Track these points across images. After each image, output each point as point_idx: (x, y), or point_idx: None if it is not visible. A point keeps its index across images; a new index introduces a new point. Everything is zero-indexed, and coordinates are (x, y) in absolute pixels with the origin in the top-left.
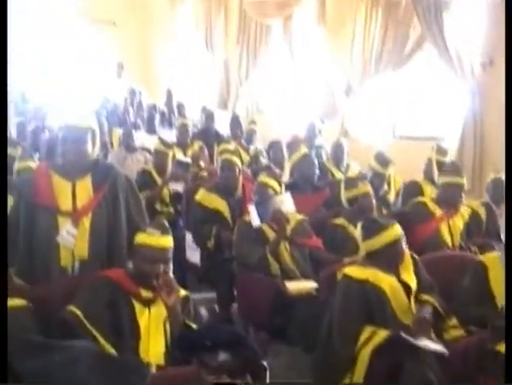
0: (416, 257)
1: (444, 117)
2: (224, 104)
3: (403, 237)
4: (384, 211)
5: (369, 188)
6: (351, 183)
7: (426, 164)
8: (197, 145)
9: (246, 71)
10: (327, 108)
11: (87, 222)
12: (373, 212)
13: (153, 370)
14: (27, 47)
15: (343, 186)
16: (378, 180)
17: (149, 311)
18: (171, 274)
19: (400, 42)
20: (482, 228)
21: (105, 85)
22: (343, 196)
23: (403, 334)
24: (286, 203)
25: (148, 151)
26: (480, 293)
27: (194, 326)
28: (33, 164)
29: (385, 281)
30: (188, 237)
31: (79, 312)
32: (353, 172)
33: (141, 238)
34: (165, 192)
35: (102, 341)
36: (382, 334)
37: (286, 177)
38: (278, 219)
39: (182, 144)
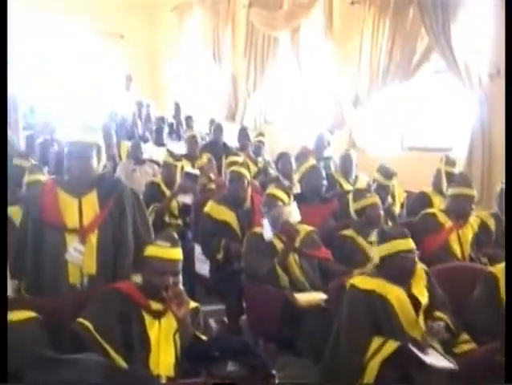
0: (430, 272)
1: (452, 128)
2: (232, 116)
3: (415, 251)
4: (390, 223)
5: (377, 200)
6: (359, 194)
7: (435, 175)
8: (205, 157)
9: (254, 84)
10: (335, 120)
11: (93, 238)
12: (381, 223)
13: (163, 381)
14: (37, 60)
15: (351, 197)
16: (382, 192)
17: (159, 323)
18: (181, 286)
19: (408, 54)
20: (492, 239)
21: (114, 97)
22: (352, 207)
23: (411, 347)
24: (293, 213)
25: (157, 163)
26: (490, 304)
27: (204, 337)
28: (42, 177)
29: (392, 292)
30: (197, 249)
31: (89, 324)
32: (361, 183)
33: (151, 250)
34: (174, 204)
35: (112, 353)
36: (392, 345)
37: (295, 189)
38: (287, 230)
39: (191, 156)
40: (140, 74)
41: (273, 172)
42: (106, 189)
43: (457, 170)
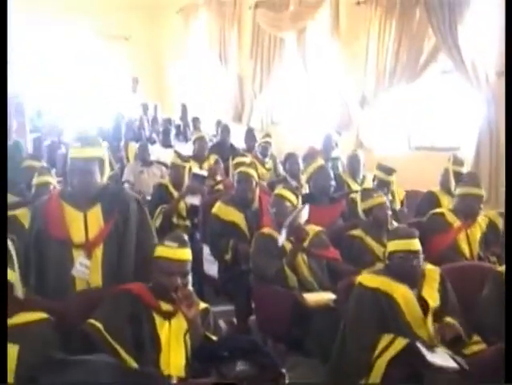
0: (444, 276)
1: (459, 127)
2: (238, 118)
3: (420, 253)
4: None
5: (384, 199)
6: (366, 194)
7: (443, 174)
8: (212, 158)
9: (260, 85)
10: (342, 120)
11: (99, 252)
12: (388, 223)
13: (174, 382)
14: (43, 63)
15: (359, 197)
16: (384, 188)
17: (169, 324)
18: (190, 287)
19: (414, 55)
20: (500, 238)
21: (120, 100)
22: (360, 207)
23: (418, 345)
24: (303, 215)
25: (164, 164)
26: (499, 303)
27: (214, 337)
28: (51, 179)
29: (398, 290)
30: (206, 249)
31: (100, 325)
32: (369, 183)
33: (159, 251)
34: (182, 205)
35: (123, 354)
36: (401, 343)
37: (303, 190)
38: (296, 231)
39: (199, 158)
40: (147, 76)
41: (280, 172)
42: (109, 202)
43: (465, 169)
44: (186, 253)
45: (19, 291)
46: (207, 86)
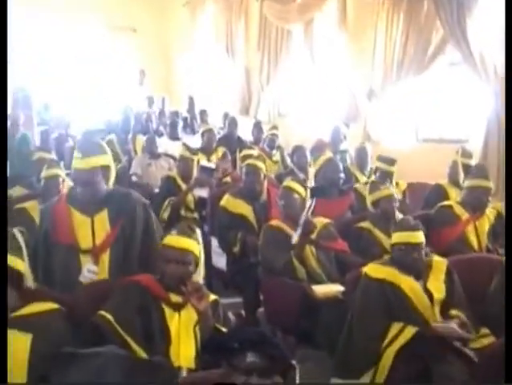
0: (452, 269)
1: (467, 119)
2: (245, 110)
3: (422, 246)
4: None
5: (392, 191)
6: (374, 186)
7: (451, 166)
8: (220, 151)
9: (267, 77)
10: (349, 113)
11: (106, 258)
12: (395, 215)
13: (184, 373)
14: (50, 56)
15: (367, 189)
16: (387, 179)
17: (179, 315)
18: (200, 280)
19: (422, 47)
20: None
21: (127, 92)
22: (368, 199)
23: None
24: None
25: (172, 157)
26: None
27: (224, 329)
28: (60, 171)
29: (404, 281)
30: (214, 242)
31: (110, 317)
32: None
33: (164, 240)
34: (190, 198)
35: (133, 345)
36: (411, 331)
37: (311, 182)
38: (304, 224)
39: (207, 150)
40: (154, 68)
41: (288, 165)
42: (117, 207)
43: (473, 162)
44: (188, 243)
45: (30, 281)
46: (214, 78)
